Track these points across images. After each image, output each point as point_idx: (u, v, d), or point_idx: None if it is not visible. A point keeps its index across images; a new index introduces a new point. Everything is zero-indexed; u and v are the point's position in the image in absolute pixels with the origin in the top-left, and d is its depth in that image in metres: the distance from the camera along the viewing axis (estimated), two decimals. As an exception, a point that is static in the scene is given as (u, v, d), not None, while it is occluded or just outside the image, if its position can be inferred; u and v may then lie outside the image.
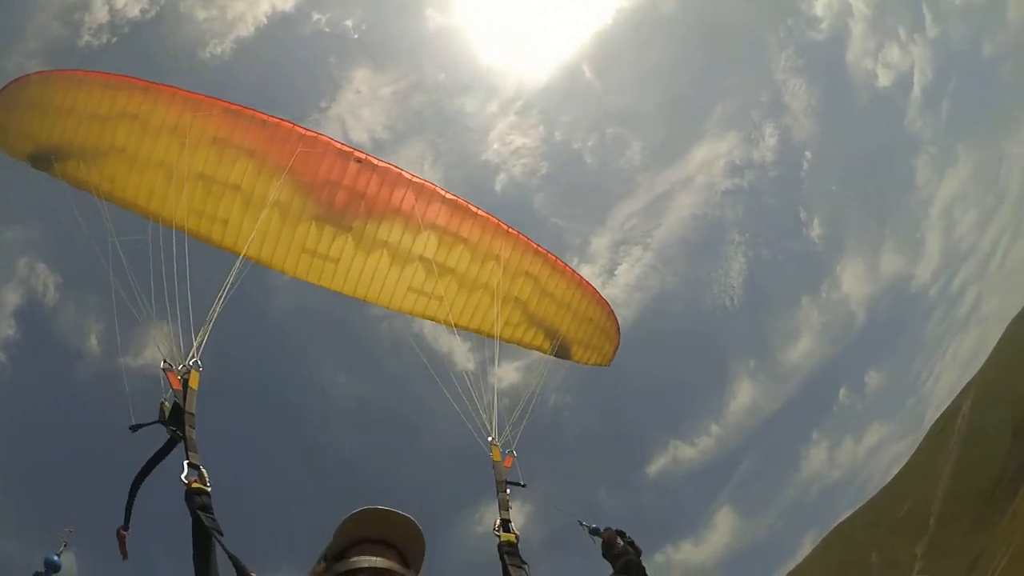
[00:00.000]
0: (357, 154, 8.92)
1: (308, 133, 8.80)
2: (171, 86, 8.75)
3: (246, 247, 8.41)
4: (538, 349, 10.40)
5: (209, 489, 5.24)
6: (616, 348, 11.01)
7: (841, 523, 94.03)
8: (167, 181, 8.54)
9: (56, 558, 4.81)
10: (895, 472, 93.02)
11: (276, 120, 8.78)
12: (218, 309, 7.13)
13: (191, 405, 6.11)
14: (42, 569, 4.72)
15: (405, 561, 3.02)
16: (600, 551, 5.55)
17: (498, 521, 6.71)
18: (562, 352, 10.37)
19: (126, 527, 5.60)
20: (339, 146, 8.90)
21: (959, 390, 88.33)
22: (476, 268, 9.46)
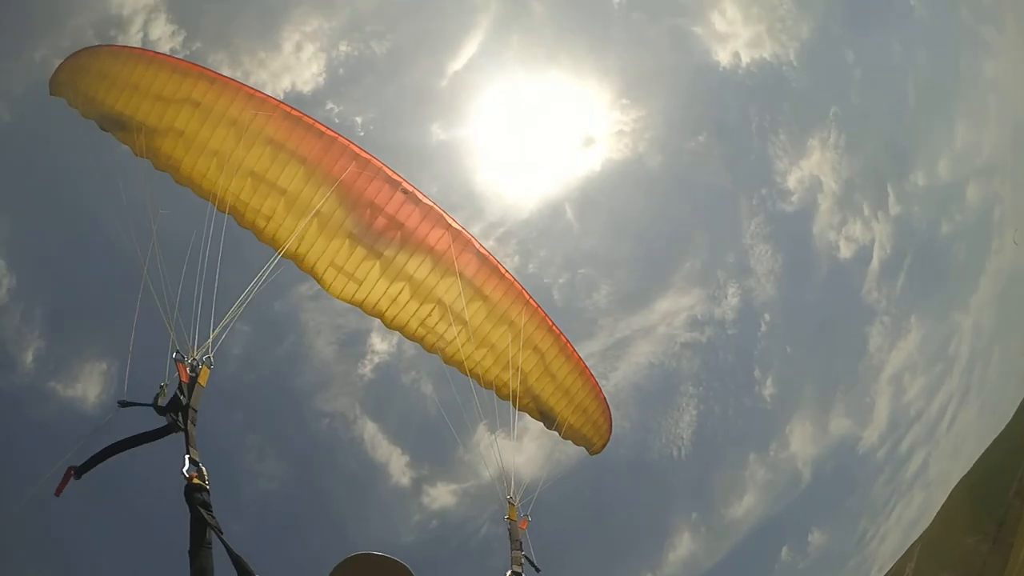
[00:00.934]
0: (405, 185, 8.98)
1: (362, 153, 8.87)
2: (237, 81, 8.88)
3: (284, 246, 8.54)
4: (530, 415, 10.38)
5: (208, 487, 5.15)
6: (605, 444, 10.96)
7: None
8: (219, 170, 8.69)
9: None
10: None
11: (333, 134, 8.85)
12: (243, 306, 7.11)
13: (196, 401, 5.97)
14: None
15: None
16: None
17: (509, 573, 6.92)
18: (552, 426, 10.36)
19: (78, 474, 5.38)
20: (389, 172, 8.96)
21: (903, 551, 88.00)
22: (489, 327, 9.49)
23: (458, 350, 9.37)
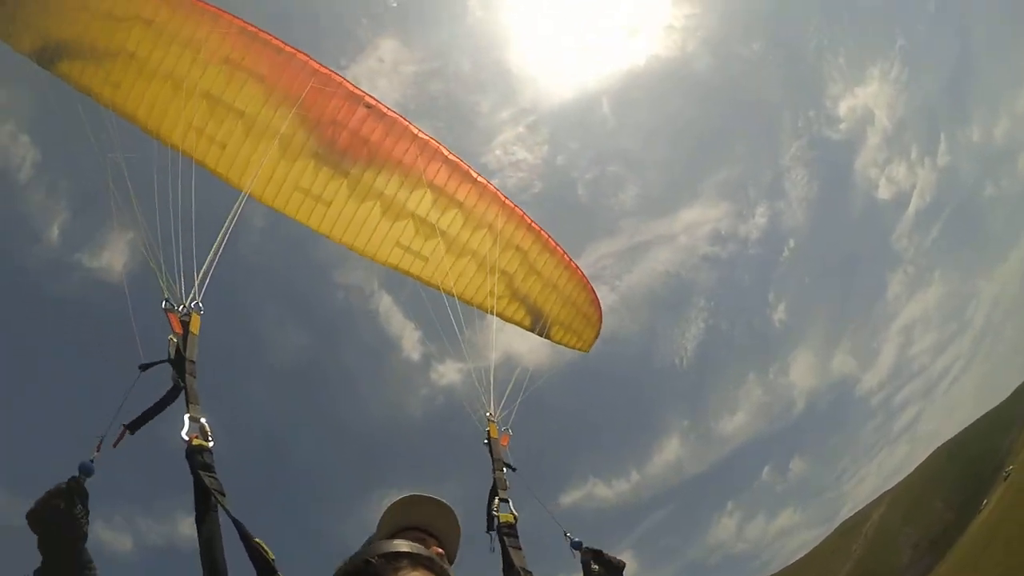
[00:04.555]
0: (367, 99, 8.77)
1: (322, 69, 8.63)
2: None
3: (250, 183, 8.21)
4: (519, 324, 10.25)
5: (211, 445, 4.83)
6: (596, 335, 10.88)
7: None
8: (172, 94, 8.28)
9: (90, 463, 4.46)
10: (797, 559, 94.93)
11: (292, 50, 8.57)
12: (220, 247, 6.67)
13: (191, 352, 5.64)
14: (76, 474, 4.40)
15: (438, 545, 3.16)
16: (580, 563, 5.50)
17: (497, 501, 6.41)
18: (543, 331, 10.25)
19: (132, 430, 5.05)
20: (351, 88, 8.74)
21: (875, 497, 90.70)
22: (467, 234, 9.32)
23: (438, 264, 9.15)
